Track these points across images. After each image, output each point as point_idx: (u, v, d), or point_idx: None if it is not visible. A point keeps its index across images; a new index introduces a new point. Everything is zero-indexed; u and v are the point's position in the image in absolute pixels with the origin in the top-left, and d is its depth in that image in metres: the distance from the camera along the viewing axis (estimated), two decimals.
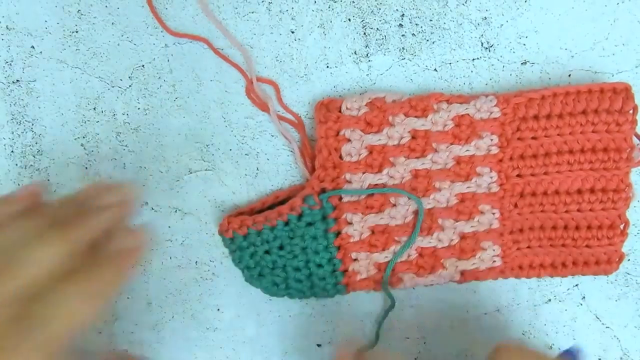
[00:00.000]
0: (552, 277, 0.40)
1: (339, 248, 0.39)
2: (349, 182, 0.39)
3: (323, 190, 0.39)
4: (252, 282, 0.40)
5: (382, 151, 0.39)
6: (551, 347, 0.41)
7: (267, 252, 0.39)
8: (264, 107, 0.40)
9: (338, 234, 0.39)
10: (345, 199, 0.39)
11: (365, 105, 0.39)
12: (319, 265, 0.39)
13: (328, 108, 0.39)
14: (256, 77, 0.41)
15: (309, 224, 0.39)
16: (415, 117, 0.39)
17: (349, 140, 0.39)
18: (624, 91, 0.38)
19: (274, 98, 0.41)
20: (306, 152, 0.40)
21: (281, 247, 0.39)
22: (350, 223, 0.39)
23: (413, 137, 0.39)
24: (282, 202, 0.40)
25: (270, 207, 0.40)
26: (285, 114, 0.41)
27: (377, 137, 0.39)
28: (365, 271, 0.39)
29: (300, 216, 0.39)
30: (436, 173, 0.39)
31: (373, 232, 0.39)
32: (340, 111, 0.39)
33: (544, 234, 0.39)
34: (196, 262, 0.41)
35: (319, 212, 0.39)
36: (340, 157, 0.39)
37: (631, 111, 0.38)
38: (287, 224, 0.39)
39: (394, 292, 0.40)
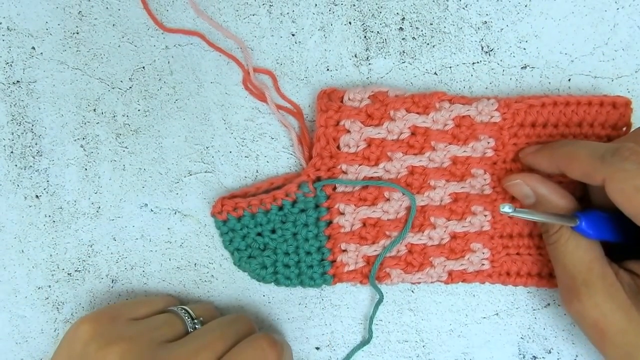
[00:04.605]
0: (537, 287, 0.40)
1: (329, 237, 0.39)
2: (345, 172, 0.39)
3: (318, 179, 0.39)
4: (241, 265, 0.40)
5: (380, 145, 0.39)
6: (550, 352, 0.41)
7: (259, 234, 0.39)
8: (261, 97, 0.41)
9: (329, 223, 0.39)
10: (339, 189, 0.39)
11: (368, 97, 0.39)
12: (308, 253, 0.39)
13: (330, 97, 0.39)
14: (253, 67, 0.41)
15: (302, 211, 0.39)
16: (417, 113, 0.39)
17: (348, 131, 0.39)
18: (623, 106, 0.38)
19: (271, 88, 0.41)
20: (304, 140, 0.40)
21: (273, 231, 0.39)
22: (342, 213, 0.39)
23: (412, 134, 0.39)
24: (276, 189, 0.40)
25: (264, 193, 0.40)
26: (284, 104, 0.41)
27: (376, 131, 0.39)
28: (354, 263, 0.39)
29: (294, 202, 0.39)
30: (432, 171, 0.39)
31: (364, 225, 0.39)
32: (342, 101, 0.39)
33: (533, 242, 0.40)
34: (195, 264, 0.41)
35: (312, 199, 0.39)
36: (338, 147, 0.39)
37: (624, 128, 0.38)
38: (281, 209, 0.39)
39: (381, 287, 0.40)
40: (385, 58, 0.41)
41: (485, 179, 0.39)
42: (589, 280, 0.33)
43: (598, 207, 0.35)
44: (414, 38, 0.41)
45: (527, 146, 0.39)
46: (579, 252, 0.34)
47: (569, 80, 0.41)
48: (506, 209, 0.32)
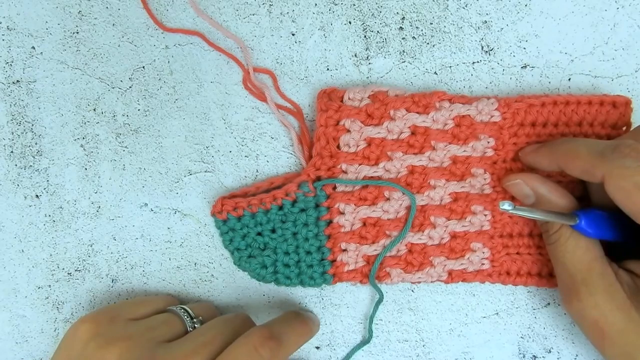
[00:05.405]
0: (537, 287, 0.41)
1: (329, 237, 0.39)
2: (345, 172, 0.39)
3: (318, 178, 0.39)
4: (241, 265, 0.40)
5: (380, 144, 0.39)
6: (550, 351, 0.41)
7: (259, 233, 0.39)
8: (261, 96, 0.41)
9: (329, 222, 0.39)
10: (339, 188, 0.39)
11: (368, 97, 0.39)
12: (308, 252, 0.39)
13: (330, 97, 0.39)
14: (253, 67, 0.41)
15: (302, 210, 0.39)
16: (417, 113, 0.39)
17: (348, 130, 0.39)
18: (623, 106, 0.38)
19: (271, 87, 0.41)
20: (304, 139, 0.40)
21: (273, 230, 0.39)
22: (342, 213, 0.39)
23: (412, 133, 0.39)
24: (276, 189, 0.40)
25: (264, 193, 0.40)
26: (283, 103, 0.41)
27: (376, 130, 0.39)
28: (354, 262, 0.39)
29: (294, 202, 0.39)
30: (432, 171, 0.39)
31: (364, 224, 0.39)
32: (342, 101, 0.39)
33: (533, 242, 0.40)
34: (195, 264, 0.41)
35: (312, 199, 0.39)
36: (338, 147, 0.39)
37: (624, 128, 0.38)
38: (281, 208, 0.39)
39: (381, 287, 0.40)
40: (385, 57, 0.41)
41: (485, 179, 0.39)
42: (588, 279, 0.33)
43: (598, 207, 0.35)
44: (414, 37, 0.41)
45: (527, 145, 0.39)
46: (579, 251, 0.34)
47: (569, 79, 0.41)
48: (506, 206, 0.32)
